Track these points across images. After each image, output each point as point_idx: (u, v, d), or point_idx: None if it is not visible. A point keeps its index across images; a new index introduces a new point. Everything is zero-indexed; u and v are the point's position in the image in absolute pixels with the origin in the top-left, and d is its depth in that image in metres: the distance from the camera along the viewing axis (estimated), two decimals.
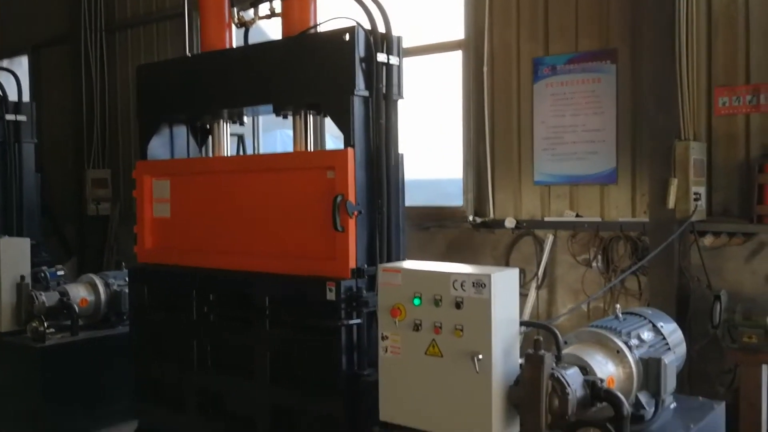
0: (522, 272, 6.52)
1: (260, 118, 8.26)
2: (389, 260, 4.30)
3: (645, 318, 3.91)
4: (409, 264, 3.63)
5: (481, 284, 3.14)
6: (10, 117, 7.62)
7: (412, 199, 7.23)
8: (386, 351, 3.44)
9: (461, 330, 3.18)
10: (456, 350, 3.20)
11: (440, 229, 7.04)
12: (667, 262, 5.40)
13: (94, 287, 6.31)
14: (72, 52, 10.03)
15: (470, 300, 3.17)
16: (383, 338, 3.45)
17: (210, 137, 5.27)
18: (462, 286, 3.20)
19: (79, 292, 6.24)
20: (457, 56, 7.00)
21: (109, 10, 10.04)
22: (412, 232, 6.95)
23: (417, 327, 3.32)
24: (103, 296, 6.28)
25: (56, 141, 10.56)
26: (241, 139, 6.52)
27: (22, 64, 11.64)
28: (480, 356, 3.12)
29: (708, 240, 5.51)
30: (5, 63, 11.40)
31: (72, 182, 10.14)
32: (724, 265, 5.49)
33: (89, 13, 9.87)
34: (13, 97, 7.90)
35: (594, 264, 6.11)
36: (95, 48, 9.91)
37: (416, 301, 3.32)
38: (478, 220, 6.75)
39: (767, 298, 5.23)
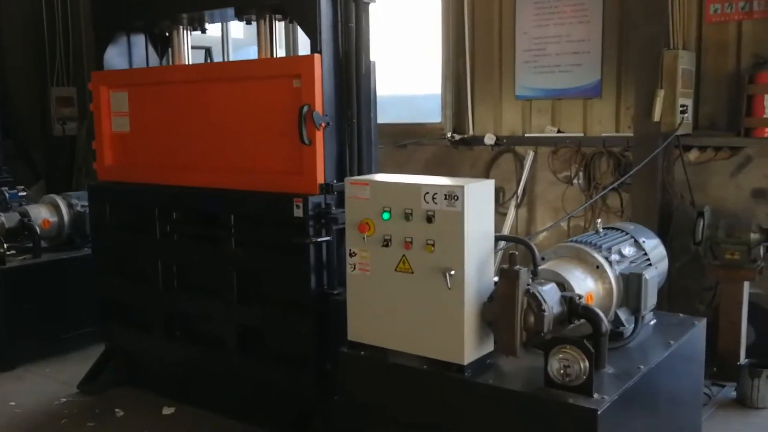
0: (501, 190, 6.35)
1: (230, 33, 7.84)
2: (360, 175, 4.06)
3: (626, 233, 3.74)
4: (378, 176, 3.41)
5: (453, 196, 2.93)
6: None
7: (388, 116, 7.00)
8: (354, 268, 3.26)
9: (433, 245, 2.99)
10: (427, 266, 3.02)
11: (417, 147, 6.80)
12: (650, 178, 5.22)
13: (56, 208, 6.07)
14: None
15: (442, 213, 2.96)
16: (351, 255, 3.26)
17: (170, 46, 4.92)
18: (434, 198, 2.99)
19: (40, 213, 6.00)
20: None
21: None
22: (388, 150, 6.72)
23: (386, 242, 3.12)
24: (66, 217, 6.05)
25: (17, 59, 10.02)
26: (208, 52, 6.14)
27: None
28: (452, 272, 2.94)
29: (693, 155, 5.32)
30: None
31: (36, 102, 9.69)
32: (708, 181, 5.32)
33: None
34: None
35: (575, 181, 5.93)
36: None
37: (385, 216, 3.12)
38: (457, 136, 6.52)
39: (751, 214, 5.11)
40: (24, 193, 6.47)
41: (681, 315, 3.79)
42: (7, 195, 6.14)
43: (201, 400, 4.58)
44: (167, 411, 4.61)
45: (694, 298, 5.32)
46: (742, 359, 4.82)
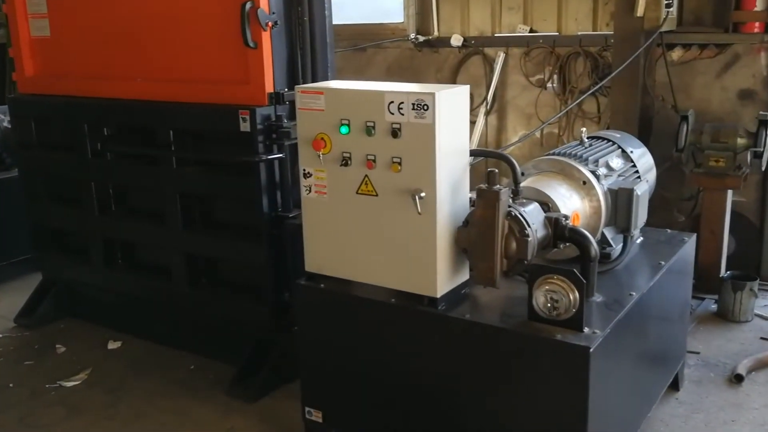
0: (470, 96, 5.88)
1: None
2: (314, 83, 3.58)
3: (613, 142, 3.39)
4: (334, 84, 2.95)
5: (423, 106, 2.50)
6: None
7: (345, 16, 6.42)
8: (310, 191, 2.85)
9: (399, 163, 2.59)
10: (393, 188, 2.63)
11: (378, 50, 6.27)
12: (630, 80, 4.82)
13: None
14: None
15: (410, 126, 2.54)
16: (306, 176, 2.84)
17: None
18: (399, 108, 2.55)
19: None
20: None
21: None
22: (346, 54, 6.21)
23: (346, 161, 2.71)
24: None
25: None
26: None
27: None
28: (422, 194, 2.56)
29: (676, 53, 4.92)
30: None
31: None
32: (692, 82, 4.95)
33: None
34: None
35: (549, 85, 5.51)
36: None
37: (344, 130, 2.69)
38: (421, 38, 6.00)
39: (737, 118, 4.78)
40: None
41: (669, 231, 3.51)
42: None
43: (150, 332, 4.22)
44: (113, 345, 4.24)
45: (674, 208, 5.05)
46: (724, 272, 4.60)
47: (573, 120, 5.47)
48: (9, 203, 5.13)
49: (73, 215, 4.35)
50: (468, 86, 2.70)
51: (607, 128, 4.99)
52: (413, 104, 2.52)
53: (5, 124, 5.46)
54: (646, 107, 4.96)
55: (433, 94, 2.49)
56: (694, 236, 3.45)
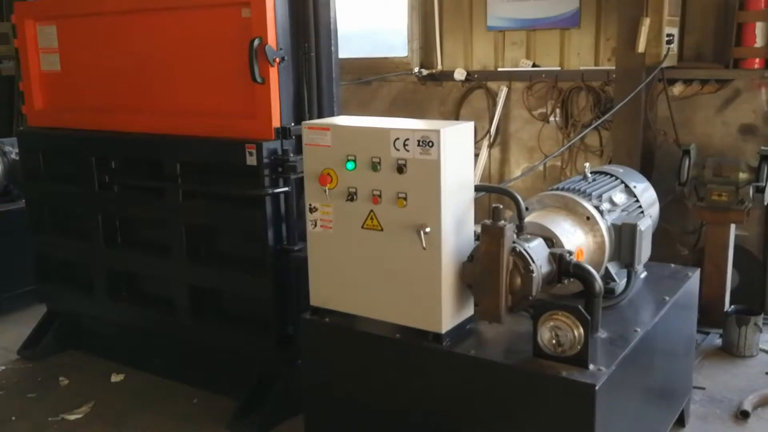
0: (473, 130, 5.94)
1: None
2: (320, 117, 3.63)
3: (616, 177, 3.41)
4: (340, 120, 2.99)
5: (428, 142, 2.54)
6: None
7: (351, 51, 6.50)
8: (315, 225, 2.87)
9: (405, 198, 2.61)
10: (399, 223, 2.64)
11: (383, 83, 6.34)
12: (632, 115, 4.87)
13: None
14: None
15: (415, 162, 2.57)
16: (311, 210, 2.86)
17: None
18: (405, 145, 2.59)
19: None
20: None
21: None
22: (352, 87, 6.28)
23: (351, 196, 2.73)
24: (0, 166, 5.50)
25: None
26: None
27: None
28: (427, 229, 2.58)
29: (678, 89, 4.97)
30: None
31: None
32: (693, 117, 4.99)
33: None
34: None
35: (552, 118, 5.56)
36: None
37: (350, 165, 2.72)
38: (425, 72, 6.08)
39: (739, 152, 4.81)
40: None
41: (673, 266, 3.51)
42: None
43: (153, 365, 4.21)
44: (116, 378, 4.23)
45: (677, 241, 5.06)
46: (728, 305, 4.60)
47: (576, 153, 5.51)
48: (14, 235, 5.16)
49: (79, 247, 4.36)
50: (472, 123, 2.73)
51: (610, 162, 5.04)
52: (418, 141, 2.56)
53: (13, 156, 5.52)
54: (648, 141, 5.00)
55: (438, 131, 2.52)
56: (698, 271, 3.45)
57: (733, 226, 4.60)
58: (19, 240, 5.03)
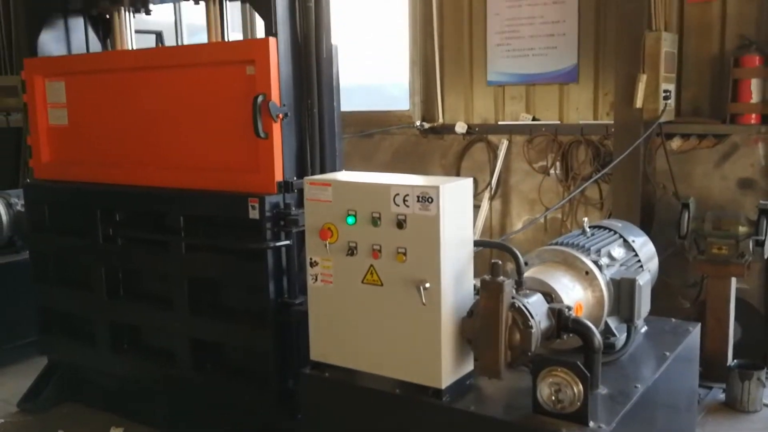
0: (474, 181, 5.99)
1: (183, 17, 7.37)
2: (322, 171, 3.69)
3: (614, 232, 3.44)
4: (341, 176, 3.04)
5: (427, 198, 2.58)
6: None
7: (354, 104, 6.61)
8: (316, 280, 2.89)
9: (404, 254, 2.64)
10: (398, 278, 2.67)
11: (385, 136, 6.43)
12: (631, 169, 4.92)
13: None
14: None
15: (415, 217, 2.61)
16: (312, 264, 2.89)
17: (112, 30, 4.45)
18: (405, 201, 2.63)
19: None
20: None
21: None
22: (355, 139, 6.37)
23: (352, 251, 2.76)
24: (4, 218, 5.58)
25: None
26: (159, 37, 5.68)
27: None
28: (427, 284, 2.60)
29: (676, 143, 5.04)
30: None
31: None
32: (692, 171, 5.04)
33: None
34: None
35: (552, 171, 5.62)
36: None
37: (350, 220, 2.75)
38: (426, 125, 6.17)
39: (738, 206, 4.84)
40: None
41: (673, 320, 3.51)
42: None
43: (153, 418, 4.18)
44: (115, 431, 4.19)
45: (678, 295, 5.05)
46: (730, 360, 4.57)
47: (576, 206, 5.55)
48: (18, 286, 5.18)
49: (82, 299, 4.38)
50: (471, 179, 2.78)
51: (610, 215, 5.08)
52: (418, 197, 2.60)
53: (18, 207, 5.58)
54: (647, 195, 5.04)
55: (437, 187, 2.56)
56: (699, 326, 3.45)
57: (734, 280, 4.61)
58: (21, 291, 5.06)
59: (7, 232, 5.57)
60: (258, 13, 3.58)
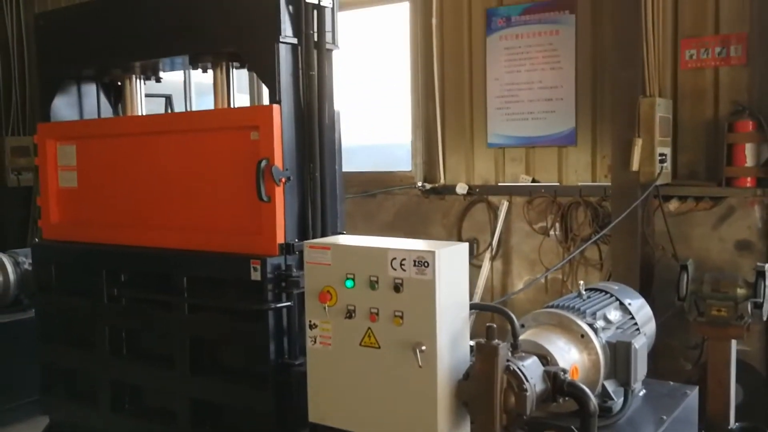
0: (475, 242, 6.09)
1: (192, 79, 7.57)
2: (324, 233, 3.76)
3: (611, 295, 3.48)
4: (340, 239, 3.11)
5: (423, 263, 2.64)
6: None
7: (358, 164, 6.76)
8: (315, 342, 2.93)
9: (401, 317, 2.69)
10: (395, 340, 2.71)
11: (388, 196, 6.54)
12: (630, 230, 4.99)
13: (1, 267, 5.69)
14: None
15: (411, 281, 2.67)
16: (311, 327, 2.94)
17: (123, 96, 4.62)
18: (402, 264, 2.69)
19: None
20: (404, 8, 6.42)
21: None
22: (358, 199, 6.47)
23: (350, 314, 2.82)
24: (12, 276, 5.67)
25: None
26: (168, 100, 5.84)
27: None
28: (423, 347, 2.64)
29: (673, 205, 5.12)
30: None
31: None
32: (690, 232, 5.11)
33: None
34: None
35: (552, 232, 5.70)
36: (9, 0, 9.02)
37: (349, 283, 2.81)
38: (428, 185, 6.29)
39: (736, 267, 4.89)
40: None
41: (671, 383, 3.52)
42: None
43: None
44: None
45: (680, 356, 5.06)
46: (732, 423, 4.54)
47: (576, 267, 5.60)
48: (24, 344, 5.21)
49: (84, 358, 4.40)
50: (467, 244, 2.85)
51: (609, 276, 5.12)
52: (414, 261, 2.66)
53: (26, 266, 5.67)
54: (647, 256, 5.10)
55: (433, 252, 2.63)
56: (696, 389, 3.46)
57: (734, 342, 4.61)
58: (26, 350, 5.09)
59: (14, 291, 5.65)
60: (263, 81, 3.71)
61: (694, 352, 5.00)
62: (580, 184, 5.61)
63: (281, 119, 3.61)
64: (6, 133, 9.05)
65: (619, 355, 3.03)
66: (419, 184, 6.31)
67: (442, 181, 6.26)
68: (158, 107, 5.57)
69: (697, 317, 4.70)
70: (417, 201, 6.40)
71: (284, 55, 3.61)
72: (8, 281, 5.63)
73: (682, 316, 4.89)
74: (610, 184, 5.27)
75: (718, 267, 4.92)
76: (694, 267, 4.79)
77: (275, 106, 3.60)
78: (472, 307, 2.89)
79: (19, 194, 9.11)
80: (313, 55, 3.68)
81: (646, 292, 4.86)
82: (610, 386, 3.09)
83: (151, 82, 4.62)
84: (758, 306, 4.44)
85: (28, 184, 9.07)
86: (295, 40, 3.64)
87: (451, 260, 2.71)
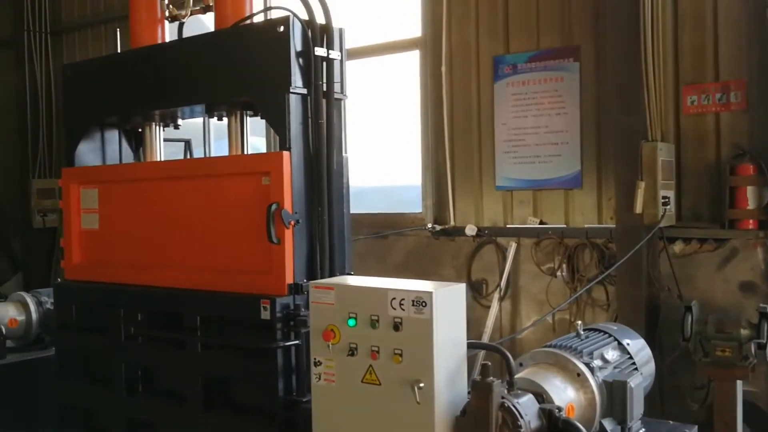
0: (484, 282, 6.19)
1: (212, 123, 7.83)
2: (332, 274, 3.91)
3: (609, 335, 3.57)
4: (344, 280, 3.25)
5: (421, 303, 2.77)
6: None
7: (369, 206, 6.92)
8: (319, 378, 3.06)
9: (400, 355, 2.81)
10: (395, 377, 2.83)
11: (399, 237, 6.68)
12: (635, 271, 5.08)
13: (24, 306, 5.86)
14: (16, 55, 9.53)
15: (410, 320, 2.80)
16: (316, 364, 3.06)
17: (143, 142, 4.84)
18: (401, 304, 2.82)
19: (8, 312, 5.78)
20: (414, 56, 6.65)
21: (54, 12, 9.58)
22: (370, 240, 6.61)
23: (352, 351, 2.94)
24: (34, 315, 5.83)
25: (1, 150, 10.04)
26: (188, 144, 6.07)
27: None
28: (421, 384, 2.75)
29: (678, 247, 5.20)
30: None
31: (17, 193, 9.63)
32: (695, 274, 5.18)
33: (33, 15, 9.39)
34: None
35: (559, 273, 5.78)
36: (40, 51, 9.42)
37: (351, 322, 2.94)
38: (438, 227, 6.42)
39: (740, 308, 4.94)
40: None
41: (671, 422, 3.57)
42: None
43: None
44: None
45: (687, 397, 5.09)
46: None
47: (584, 307, 5.68)
48: (43, 381, 5.39)
49: (101, 395, 4.55)
50: (464, 285, 2.97)
51: (615, 318, 5.19)
52: (413, 301, 2.79)
53: (48, 305, 5.85)
54: (652, 297, 5.17)
55: (431, 293, 2.76)
56: (696, 428, 3.51)
57: (740, 382, 4.64)
58: (46, 387, 5.26)
59: (36, 329, 5.81)
60: (274, 129, 3.91)
61: (701, 393, 5.02)
62: (586, 226, 5.71)
63: (291, 165, 3.79)
64: (33, 175, 9.37)
65: (615, 393, 3.11)
66: (429, 225, 6.45)
67: (451, 222, 6.39)
68: (179, 150, 5.80)
69: (703, 358, 4.75)
70: (427, 242, 6.53)
71: (294, 104, 3.81)
72: (31, 320, 5.79)
73: (688, 356, 4.94)
74: (615, 226, 5.36)
75: (723, 308, 4.98)
76: (698, 308, 4.85)
77: (285, 153, 3.78)
78: (470, 345, 3.00)
79: (44, 235, 9.38)
80: (322, 104, 3.87)
81: (651, 333, 4.95)
82: (608, 425, 3.16)
83: (171, 128, 4.86)
84: (762, 347, 4.49)
85: (53, 225, 9.34)
86: (304, 91, 3.84)
87: (448, 300, 2.83)
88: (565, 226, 5.82)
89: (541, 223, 5.95)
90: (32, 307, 5.83)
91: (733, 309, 4.94)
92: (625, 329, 3.75)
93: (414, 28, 6.62)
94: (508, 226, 6.11)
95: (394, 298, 2.84)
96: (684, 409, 4.91)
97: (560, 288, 5.79)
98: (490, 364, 2.72)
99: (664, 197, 5.01)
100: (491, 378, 2.70)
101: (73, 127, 4.90)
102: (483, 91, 6.22)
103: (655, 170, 4.95)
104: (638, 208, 4.98)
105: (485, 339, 5.89)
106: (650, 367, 3.64)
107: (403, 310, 2.82)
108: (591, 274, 5.57)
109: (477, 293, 6.20)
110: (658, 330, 5.05)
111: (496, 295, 6.04)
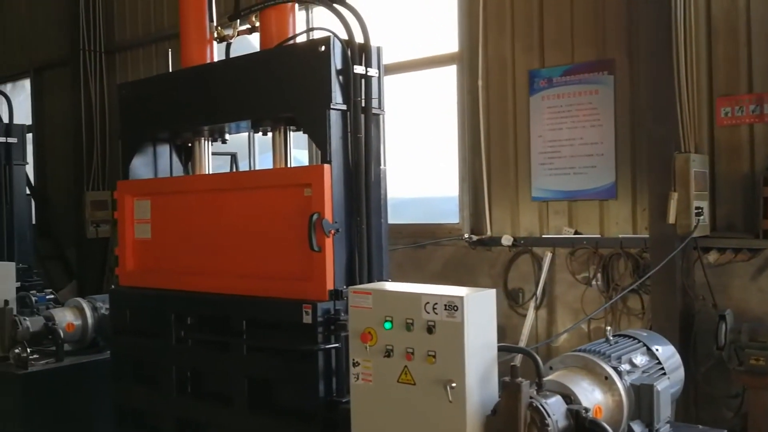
0: (521, 291, 6.31)
1: (257, 137, 8.12)
2: (370, 280, 4.09)
3: (639, 341, 3.67)
4: (381, 285, 3.43)
5: (453, 307, 2.94)
6: (0, 139, 7.53)
7: (408, 216, 7.11)
8: (358, 378, 3.23)
9: (434, 356, 2.97)
10: (429, 378, 2.99)
11: (436, 247, 6.84)
12: (669, 280, 5.15)
13: (81, 311, 6.16)
14: (72, 73, 10.01)
15: (442, 323, 2.96)
16: (354, 365, 3.24)
17: (192, 156, 5.11)
18: (434, 308, 2.99)
19: (65, 317, 6.08)
20: (452, 71, 6.83)
21: (108, 32, 10.04)
22: (408, 250, 6.78)
23: (388, 353, 3.11)
24: (90, 320, 6.12)
25: (58, 163, 10.52)
26: (234, 158, 6.35)
27: (25, 88, 11.69)
28: (453, 384, 2.91)
29: (712, 256, 5.26)
30: (8, 86, 11.43)
31: (73, 204, 10.08)
32: (729, 283, 5.23)
33: (88, 35, 9.86)
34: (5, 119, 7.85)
35: (594, 282, 5.87)
36: (94, 70, 9.88)
37: (387, 325, 3.12)
38: (475, 237, 6.55)
39: None
40: (51, 296, 6.61)
41: (701, 427, 3.65)
42: (34, 299, 6.26)
43: None
44: None
45: (722, 405, 5.13)
46: None
47: (619, 316, 5.76)
48: (98, 384, 5.65)
49: (154, 396, 4.79)
50: (494, 290, 3.11)
51: (650, 326, 5.26)
52: (445, 305, 2.96)
53: (103, 311, 6.15)
54: (687, 306, 5.23)
55: (462, 298, 2.92)
56: None
57: None
58: (102, 389, 5.53)
59: (91, 333, 6.10)
60: (315, 143, 4.12)
61: (736, 401, 5.06)
62: (620, 236, 5.80)
63: (331, 177, 4.00)
64: (87, 188, 9.79)
65: (642, 397, 3.21)
66: (466, 235, 6.59)
67: (488, 233, 6.53)
68: (225, 163, 6.08)
69: (737, 366, 4.80)
70: (464, 252, 6.67)
71: (334, 120, 4.02)
72: (87, 324, 6.09)
73: (723, 365, 4.98)
74: (649, 236, 5.44)
75: (758, 317, 5.02)
76: (733, 317, 4.90)
77: (326, 166, 3.99)
78: (500, 348, 3.15)
79: (97, 245, 9.79)
80: (361, 119, 4.07)
81: (686, 341, 5.01)
82: (636, 427, 3.26)
83: (218, 143, 5.12)
84: None
85: (105, 236, 9.75)
86: (344, 107, 4.05)
87: (478, 305, 2.99)
88: (599, 236, 5.91)
89: (576, 233, 6.05)
90: (88, 313, 6.12)
91: None
92: (655, 336, 3.85)
93: (451, 44, 6.80)
94: (543, 236, 6.22)
95: (427, 303, 3.01)
96: (719, 418, 4.95)
97: (595, 297, 5.87)
98: (518, 365, 2.87)
99: (697, 207, 5.08)
100: (520, 378, 2.85)
101: (128, 142, 5.19)
102: (519, 105, 6.36)
103: (688, 181, 5.03)
104: (671, 219, 5.06)
105: (521, 346, 6.00)
106: (679, 374, 3.73)
107: (436, 313, 2.98)
108: (626, 284, 5.65)
109: (513, 302, 6.32)
110: (693, 338, 5.11)
111: (532, 304, 6.16)
